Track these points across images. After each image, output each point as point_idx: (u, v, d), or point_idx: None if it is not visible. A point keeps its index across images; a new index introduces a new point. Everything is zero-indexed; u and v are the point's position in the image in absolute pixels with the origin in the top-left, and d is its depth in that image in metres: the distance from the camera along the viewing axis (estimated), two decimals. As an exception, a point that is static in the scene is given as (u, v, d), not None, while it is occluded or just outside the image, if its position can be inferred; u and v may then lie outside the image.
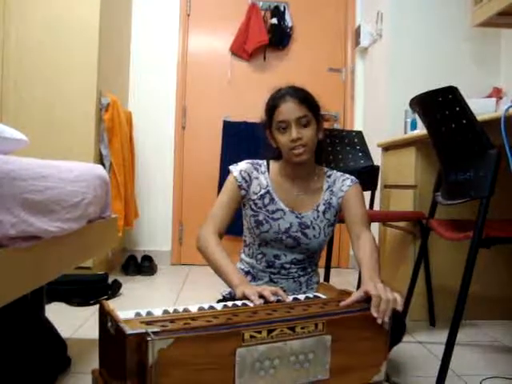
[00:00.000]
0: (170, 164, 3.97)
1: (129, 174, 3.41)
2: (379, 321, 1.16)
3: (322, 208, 1.59)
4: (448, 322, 1.62)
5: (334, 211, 1.61)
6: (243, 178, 1.57)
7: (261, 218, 1.56)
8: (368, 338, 1.17)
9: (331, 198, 1.60)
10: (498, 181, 1.55)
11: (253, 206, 1.58)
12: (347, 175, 1.64)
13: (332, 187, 1.61)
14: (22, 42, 3.00)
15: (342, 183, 1.61)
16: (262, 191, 1.58)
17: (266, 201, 1.57)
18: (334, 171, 1.66)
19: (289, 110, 1.48)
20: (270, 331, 1.04)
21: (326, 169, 1.66)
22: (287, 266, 1.58)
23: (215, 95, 4.01)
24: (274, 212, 1.56)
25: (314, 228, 1.56)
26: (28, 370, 1.50)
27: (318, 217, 1.58)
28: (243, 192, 1.58)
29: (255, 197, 1.58)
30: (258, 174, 1.60)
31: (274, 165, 1.63)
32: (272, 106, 1.52)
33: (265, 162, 1.64)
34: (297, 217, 1.57)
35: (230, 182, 1.58)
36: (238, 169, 1.59)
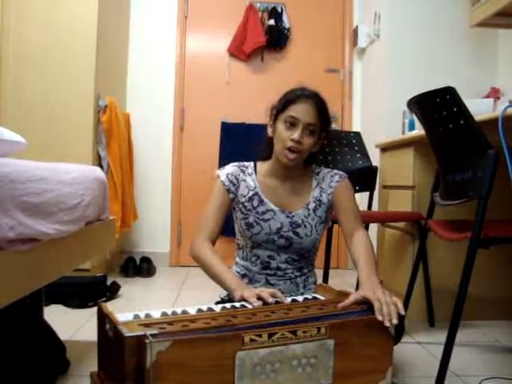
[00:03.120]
0: (169, 165, 3.97)
1: (127, 175, 3.41)
2: (387, 323, 1.13)
3: (312, 206, 1.59)
4: (447, 323, 1.62)
5: (325, 208, 1.61)
6: (231, 182, 1.58)
7: (251, 220, 1.56)
8: (372, 343, 1.15)
9: (321, 195, 1.60)
10: (496, 181, 1.55)
11: (242, 209, 1.58)
12: (335, 171, 1.64)
13: (321, 184, 1.61)
14: (19, 44, 3.00)
15: (331, 179, 1.61)
16: (251, 193, 1.58)
17: (255, 202, 1.57)
18: (322, 168, 1.66)
19: (305, 111, 1.48)
20: (270, 335, 1.03)
21: (314, 166, 1.66)
22: (283, 266, 1.58)
23: (213, 96, 4.01)
24: (263, 213, 1.56)
25: (305, 226, 1.56)
26: (27, 372, 1.50)
27: (308, 215, 1.57)
28: (232, 195, 1.58)
29: (244, 199, 1.58)
30: (245, 176, 1.60)
31: (261, 166, 1.63)
32: (291, 99, 1.51)
33: (252, 163, 1.64)
34: (287, 216, 1.56)
35: (217, 187, 1.58)
36: (224, 173, 1.59)
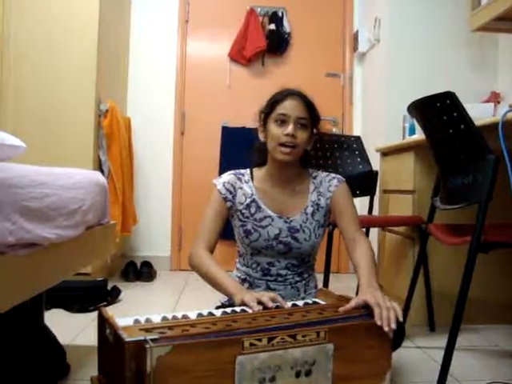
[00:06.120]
0: (169, 170, 3.97)
1: (128, 180, 3.41)
2: (386, 328, 1.14)
3: (310, 210, 1.58)
4: (448, 327, 1.62)
5: (324, 212, 1.60)
6: (227, 190, 1.58)
7: (249, 227, 1.56)
8: (372, 347, 1.16)
9: (319, 199, 1.60)
10: (496, 185, 1.56)
11: (240, 216, 1.58)
12: (333, 174, 1.64)
13: (319, 188, 1.61)
14: (20, 49, 3.00)
15: (329, 183, 1.61)
16: (248, 200, 1.58)
17: (253, 209, 1.57)
18: (319, 172, 1.66)
19: (293, 106, 1.50)
20: (270, 339, 1.03)
21: (310, 170, 1.66)
22: (283, 272, 1.58)
23: (214, 101, 4.01)
24: (261, 220, 1.56)
25: (303, 231, 1.56)
26: (27, 376, 1.50)
27: (306, 219, 1.57)
28: (229, 204, 1.58)
29: (241, 207, 1.58)
30: (241, 184, 1.60)
31: (257, 172, 1.64)
32: (277, 99, 1.54)
33: (248, 170, 1.64)
34: (285, 222, 1.56)
35: (214, 196, 1.58)
36: (221, 181, 1.59)
